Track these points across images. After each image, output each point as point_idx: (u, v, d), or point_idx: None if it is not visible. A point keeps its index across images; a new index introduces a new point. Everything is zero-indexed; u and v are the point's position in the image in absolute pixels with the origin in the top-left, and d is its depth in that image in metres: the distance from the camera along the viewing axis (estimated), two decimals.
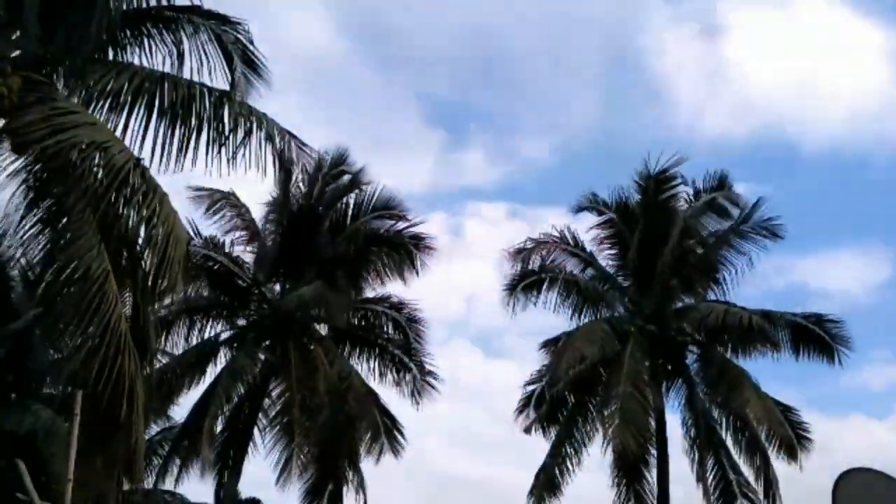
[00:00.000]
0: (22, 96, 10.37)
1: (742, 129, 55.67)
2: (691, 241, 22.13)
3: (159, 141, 11.05)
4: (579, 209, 23.25)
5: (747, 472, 21.15)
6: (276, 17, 43.53)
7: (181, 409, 20.87)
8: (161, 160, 11.04)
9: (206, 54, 11.51)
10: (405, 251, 21.94)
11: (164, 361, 20.19)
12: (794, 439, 20.47)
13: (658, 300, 21.87)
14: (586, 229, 23.28)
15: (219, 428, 21.02)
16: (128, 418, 9.99)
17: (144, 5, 11.41)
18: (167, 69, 11.46)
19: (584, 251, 23.04)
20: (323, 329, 22.33)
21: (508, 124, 61.53)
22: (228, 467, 20.91)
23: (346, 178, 22.28)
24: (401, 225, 22.14)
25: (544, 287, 22.65)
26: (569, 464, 21.66)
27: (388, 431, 21.66)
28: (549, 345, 22.79)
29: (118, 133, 10.90)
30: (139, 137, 11.00)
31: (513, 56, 60.84)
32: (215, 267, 21.47)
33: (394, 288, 22.54)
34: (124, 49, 11.51)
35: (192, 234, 20.21)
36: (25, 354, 15.08)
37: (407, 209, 22.25)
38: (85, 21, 10.54)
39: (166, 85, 11.03)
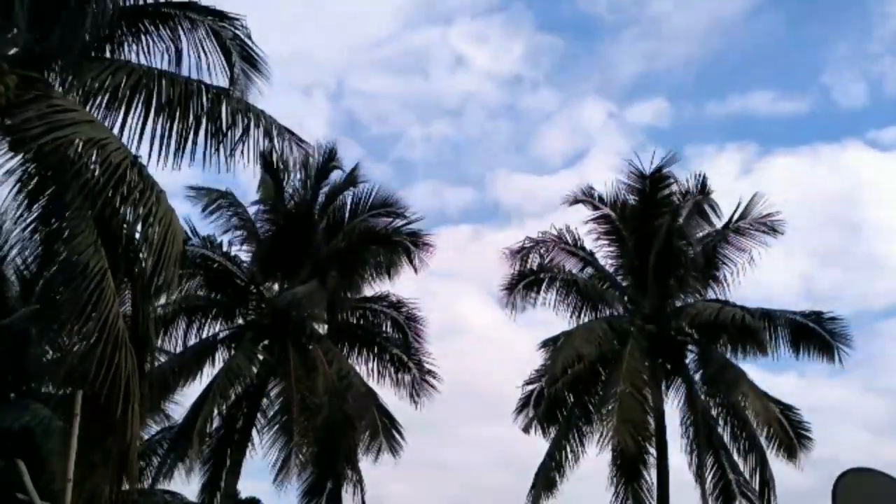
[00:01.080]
0: (19, 94, 10.36)
1: None
2: (688, 240, 22.06)
3: (157, 138, 11.06)
4: (575, 201, 23.19)
5: (746, 471, 21.14)
6: None
7: (182, 409, 20.88)
8: (159, 157, 11.06)
9: (204, 51, 11.52)
10: (403, 248, 21.92)
11: (162, 360, 20.16)
12: (793, 439, 20.45)
13: (657, 299, 21.84)
14: (582, 221, 23.26)
15: (216, 428, 21.02)
16: (123, 416, 9.96)
17: (142, 2, 11.41)
18: (166, 66, 11.48)
19: (583, 250, 22.99)
20: (322, 328, 22.30)
21: None
22: (226, 467, 20.88)
23: (338, 173, 22.27)
24: (398, 222, 22.14)
25: (543, 286, 22.64)
26: (567, 463, 21.66)
27: (386, 431, 21.62)
28: (549, 344, 22.75)
29: (115, 130, 10.91)
30: (136, 135, 11.02)
31: None
32: (213, 266, 21.44)
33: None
34: (122, 46, 11.51)
35: (189, 233, 20.21)
36: (22, 353, 15.06)
37: (404, 206, 22.26)
38: (79, 19, 10.52)
39: (163, 82, 11.03)
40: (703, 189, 22.10)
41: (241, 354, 20.56)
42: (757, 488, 20.94)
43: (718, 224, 22.04)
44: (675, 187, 22.00)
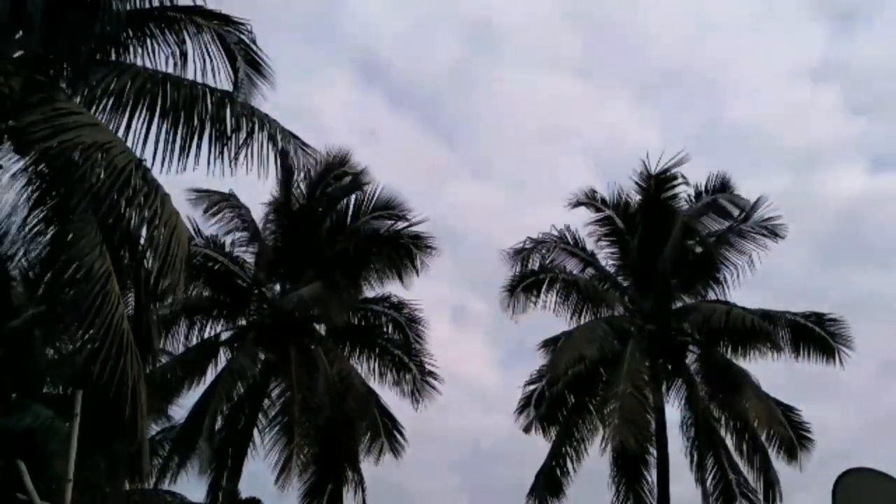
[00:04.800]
0: (24, 97, 10.41)
1: None
2: (691, 241, 22.14)
3: (161, 142, 11.11)
4: (577, 204, 23.24)
5: (747, 472, 21.19)
6: None
7: (182, 410, 20.90)
8: (163, 161, 11.11)
9: (209, 55, 11.57)
10: (405, 251, 21.95)
11: (164, 361, 20.19)
12: (794, 439, 20.49)
13: (658, 300, 21.89)
14: (583, 225, 23.32)
15: (218, 428, 21.04)
16: (131, 418, 10.00)
17: (147, 6, 11.45)
18: (170, 70, 11.51)
19: (583, 251, 23.05)
20: (323, 329, 22.32)
21: None
22: (228, 467, 20.91)
23: (347, 178, 22.27)
24: (401, 225, 22.14)
25: (544, 287, 22.67)
26: (569, 464, 21.71)
27: (387, 431, 21.67)
28: (549, 344, 22.82)
29: (120, 134, 10.96)
30: (141, 138, 11.08)
31: None
32: (216, 267, 21.47)
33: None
34: (127, 50, 11.55)
35: (192, 233, 20.23)
36: (26, 354, 15.06)
37: (407, 209, 22.24)
38: (88, 22, 10.56)
39: (168, 86, 11.07)
40: (723, 187, 22.18)
41: (244, 354, 20.60)
42: (761, 489, 20.95)
43: (737, 216, 22.06)
44: (683, 187, 22.14)
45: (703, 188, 22.30)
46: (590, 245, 23.16)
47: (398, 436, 21.84)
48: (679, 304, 22.30)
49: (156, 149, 11.05)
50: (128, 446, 10.34)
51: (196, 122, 11.06)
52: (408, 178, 53.14)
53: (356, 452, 21.45)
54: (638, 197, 22.42)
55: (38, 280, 12.60)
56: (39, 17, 10.31)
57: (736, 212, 22.02)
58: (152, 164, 10.86)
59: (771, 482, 20.79)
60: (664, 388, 21.72)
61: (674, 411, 21.75)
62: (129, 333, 10.22)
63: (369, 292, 22.67)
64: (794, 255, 43.92)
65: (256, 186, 22.59)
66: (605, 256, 23.22)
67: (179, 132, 11.06)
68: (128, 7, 11.06)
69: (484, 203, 52.14)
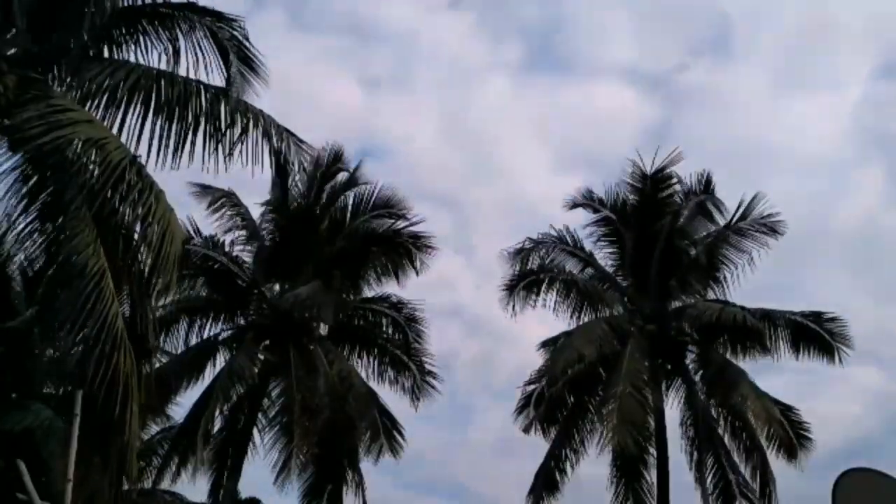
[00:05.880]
0: (18, 94, 10.40)
1: None
2: (690, 240, 22.07)
3: (156, 138, 11.09)
4: (574, 206, 23.21)
5: (746, 471, 21.12)
6: None
7: (181, 409, 20.89)
8: (158, 157, 11.09)
9: (201, 51, 11.55)
10: (404, 250, 21.91)
11: (163, 361, 20.17)
12: (793, 439, 20.40)
13: (657, 300, 21.83)
14: (582, 226, 23.27)
15: (218, 428, 21.04)
16: (122, 416, 9.95)
17: (140, 2, 11.44)
18: (163, 66, 11.50)
19: (582, 251, 23.01)
20: (323, 329, 22.28)
21: None
22: (227, 467, 20.91)
23: (343, 175, 22.25)
24: (400, 224, 22.11)
25: (543, 287, 22.62)
26: (568, 464, 21.67)
27: (387, 431, 21.64)
28: (549, 344, 22.77)
29: (114, 130, 10.95)
30: (135, 134, 11.07)
31: None
32: (215, 266, 21.45)
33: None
34: (120, 46, 11.56)
35: (192, 232, 20.27)
36: (24, 353, 15.06)
37: (406, 207, 22.21)
38: (77, 19, 10.56)
39: (162, 82, 11.07)
40: (706, 188, 22.11)
41: (243, 355, 20.57)
42: (758, 489, 20.90)
43: (722, 222, 22.02)
44: (677, 187, 22.07)
45: (690, 187, 22.19)
46: (588, 245, 23.17)
47: (398, 436, 21.83)
48: (678, 304, 22.22)
49: (150, 145, 11.05)
50: (118, 444, 10.28)
51: (190, 118, 11.04)
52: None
53: (356, 452, 21.44)
54: (634, 197, 22.36)
55: (36, 279, 12.60)
56: (24, 17, 10.31)
57: (718, 215, 21.94)
58: (147, 160, 10.86)
59: (767, 481, 20.72)
60: (664, 388, 21.65)
61: (673, 411, 21.72)
62: (124, 331, 10.18)
63: (369, 292, 22.67)
64: None
65: (253, 185, 22.57)
66: (605, 256, 23.24)
67: (174, 128, 11.05)
68: (120, 3, 11.04)
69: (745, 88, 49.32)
